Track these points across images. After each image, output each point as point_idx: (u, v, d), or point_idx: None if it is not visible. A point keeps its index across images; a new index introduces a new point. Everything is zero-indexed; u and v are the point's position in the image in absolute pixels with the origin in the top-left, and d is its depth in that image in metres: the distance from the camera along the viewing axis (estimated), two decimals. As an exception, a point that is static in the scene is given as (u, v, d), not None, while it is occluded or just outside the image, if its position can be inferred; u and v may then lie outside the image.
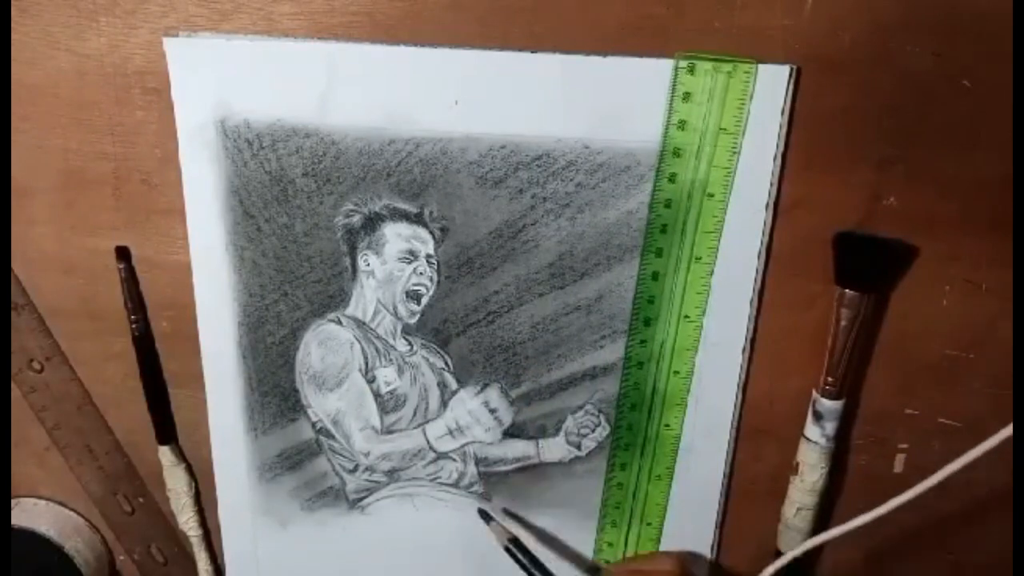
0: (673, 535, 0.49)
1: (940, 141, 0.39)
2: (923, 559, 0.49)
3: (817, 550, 0.48)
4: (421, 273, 0.44)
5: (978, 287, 0.42)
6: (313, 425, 0.47)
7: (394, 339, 0.45)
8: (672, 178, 0.41)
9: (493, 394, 0.46)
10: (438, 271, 0.44)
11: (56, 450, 0.50)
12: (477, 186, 0.42)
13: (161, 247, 0.45)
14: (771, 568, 0.44)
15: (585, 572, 0.49)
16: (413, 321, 0.45)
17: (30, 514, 0.51)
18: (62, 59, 0.41)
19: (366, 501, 0.49)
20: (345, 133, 0.41)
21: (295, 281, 0.44)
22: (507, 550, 0.44)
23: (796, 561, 0.47)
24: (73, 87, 0.42)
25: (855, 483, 0.47)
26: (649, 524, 0.49)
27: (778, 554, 0.47)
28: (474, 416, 0.47)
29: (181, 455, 0.49)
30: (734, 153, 0.40)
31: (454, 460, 0.48)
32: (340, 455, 0.48)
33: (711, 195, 0.41)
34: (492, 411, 0.46)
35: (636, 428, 0.46)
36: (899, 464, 0.46)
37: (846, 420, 0.44)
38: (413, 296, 0.44)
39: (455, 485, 0.48)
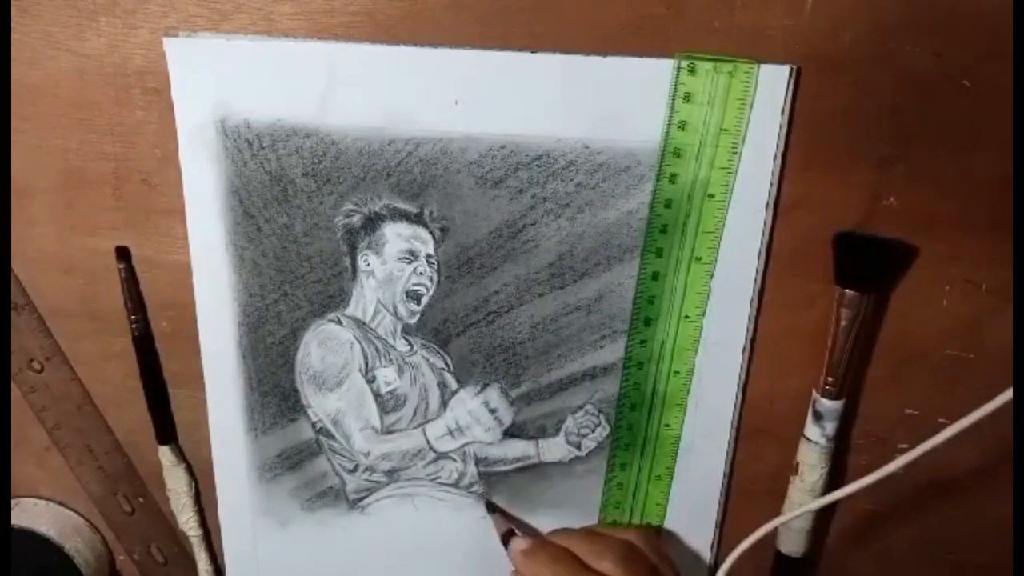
0: (673, 535, 0.49)
1: (940, 141, 0.39)
2: (923, 559, 0.49)
3: (817, 550, 0.48)
4: (421, 273, 0.44)
5: (978, 287, 0.42)
6: (313, 425, 0.47)
7: (394, 339, 0.45)
8: (673, 178, 0.41)
9: (493, 394, 0.46)
10: (438, 271, 0.44)
11: (56, 450, 0.50)
12: (477, 186, 0.42)
13: (161, 247, 0.45)
14: (762, 530, 0.42)
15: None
16: (413, 321, 0.45)
17: (30, 514, 0.51)
18: (62, 59, 0.41)
19: (366, 501, 0.49)
20: (345, 133, 0.41)
21: (295, 281, 0.44)
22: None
23: (796, 561, 0.47)
24: (73, 87, 0.41)
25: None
26: (649, 524, 0.49)
27: (778, 554, 0.47)
28: (474, 416, 0.47)
29: (181, 455, 0.49)
30: (735, 153, 0.40)
31: (454, 460, 0.48)
32: (340, 455, 0.48)
33: (711, 195, 0.41)
34: (492, 411, 0.46)
35: (636, 428, 0.46)
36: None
37: (846, 420, 0.44)
38: (413, 296, 0.44)
39: (455, 485, 0.48)
